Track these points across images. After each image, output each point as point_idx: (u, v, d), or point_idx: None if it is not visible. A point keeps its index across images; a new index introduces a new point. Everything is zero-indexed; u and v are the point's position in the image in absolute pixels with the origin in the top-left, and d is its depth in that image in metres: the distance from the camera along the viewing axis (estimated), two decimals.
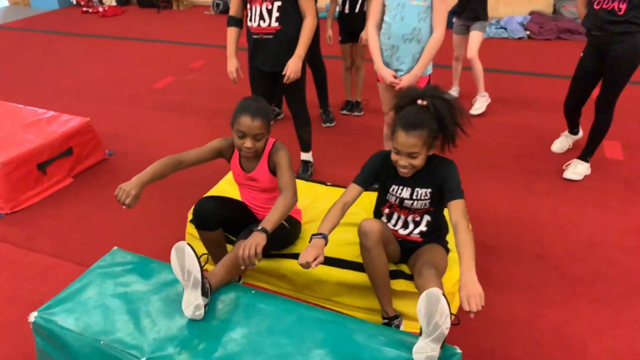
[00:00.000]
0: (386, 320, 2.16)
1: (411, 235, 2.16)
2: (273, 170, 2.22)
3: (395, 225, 2.19)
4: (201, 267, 1.73)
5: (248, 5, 2.95)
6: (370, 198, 2.35)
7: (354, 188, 2.06)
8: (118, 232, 2.92)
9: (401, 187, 2.07)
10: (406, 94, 1.99)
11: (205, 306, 1.76)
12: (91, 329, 1.68)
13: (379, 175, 2.11)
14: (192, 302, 1.72)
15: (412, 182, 2.04)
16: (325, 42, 4.12)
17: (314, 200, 2.75)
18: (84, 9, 8.30)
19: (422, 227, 2.13)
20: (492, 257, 2.65)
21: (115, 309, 1.76)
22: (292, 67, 2.92)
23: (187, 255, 1.69)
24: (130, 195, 1.86)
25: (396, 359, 1.56)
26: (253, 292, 1.87)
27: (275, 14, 2.88)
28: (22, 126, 3.48)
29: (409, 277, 2.19)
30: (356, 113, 4.39)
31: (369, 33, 2.84)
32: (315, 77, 4.23)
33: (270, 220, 1.93)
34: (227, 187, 2.83)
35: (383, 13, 2.80)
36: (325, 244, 1.87)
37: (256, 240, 1.83)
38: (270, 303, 1.80)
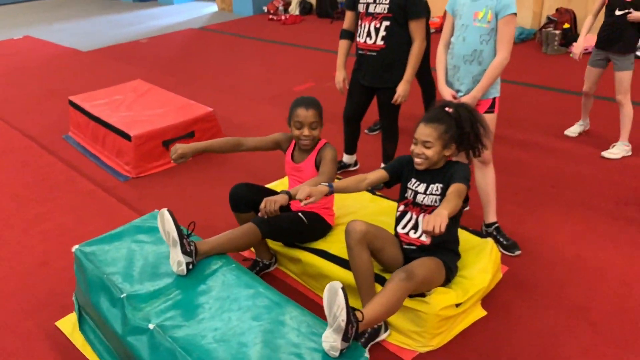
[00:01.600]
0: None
1: (420, 238, 2.25)
2: (318, 165, 2.49)
3: (405, 227, 2.30)
4: (180, 231, 2.05)
5: (359, 22, 3.19)
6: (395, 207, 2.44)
7: (379, 171, 2.34)
8: (204, 205, 3.43)
9: (418, 182, 2.26)
10: (440, 102, 2.27)
11: (189, 264, 2.08)
12: (102, 265, 2.15)
13: (403, 168, 2.33)
14: (175, 259, 2.06)
15: (429, 178, 2.24)
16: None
17: (360, 208, 2.89)
18: (270, 16, 9.37)
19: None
20: (523, 294, 2.49)
21: (127, 255, 2.20)
22: (401, 93, 3.14)
23: (165, 220, 2.05)
24: (177, 153, 2.35)
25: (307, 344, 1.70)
26: (234, 265, 2.15)
27: (382, 32, 3.09)
28: (162, 110, 4.27)
29: None
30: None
31: (437, 52, 2.87)
32: (424, 93, 4.28)
33: (296, 188, 2.20)
34: None
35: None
36: (329, 193, 2.16)
37: (276, 198, 2.16)
38: (238, 276, 2.07)
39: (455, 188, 2.05)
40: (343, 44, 3.36)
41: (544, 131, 4.27)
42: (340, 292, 1.61)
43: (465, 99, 2.68)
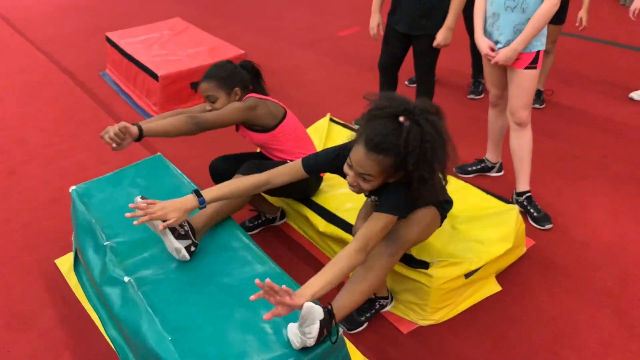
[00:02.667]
0: (373, 296, 2.09)
1: None
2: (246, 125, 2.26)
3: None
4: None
5: None
6: None
7: (296, 168, 1.82)
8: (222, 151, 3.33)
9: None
10: (393, 102, 1.53)
11: (190, 246, 1.81)
12: (93, 208, 2.09)
13: (337, 172, 1.80)
14: (170, 247, 1.78)
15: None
16: None
17: None
18: None
19: None
20: (546, 273, 2.25)
21: (121, 201, 2.13)
22: (441, 41, 2.86)
23: (152, 224, 1.75)
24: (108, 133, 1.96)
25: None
26: (232, 227, 2.02)
27: None
28: (194, 50, 4.14)
29: (406, 260, 2.05)
30: (536, 105, 3.68)
31: None
32: (472, 42, 3.91)
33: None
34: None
35: None
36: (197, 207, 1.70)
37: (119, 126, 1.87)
38: (232, 241, 1.93)
39: (363, 236, 1.57)
40: None
41: (604, 92, 3.82)
42: (317, 324, 1.40)
43: (505, 51, 2.37)
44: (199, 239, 1.88)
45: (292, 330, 1.44)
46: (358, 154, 1.53)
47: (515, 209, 2.29)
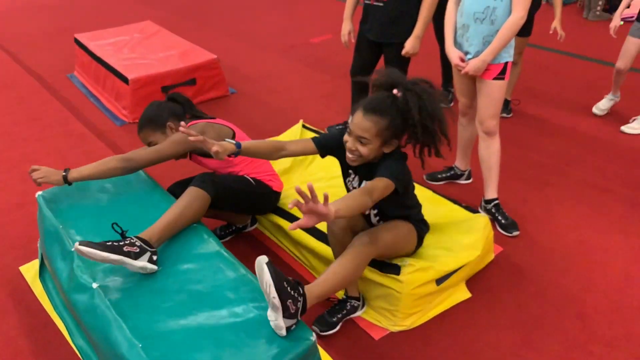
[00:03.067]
0: (344, 297, 2.10)
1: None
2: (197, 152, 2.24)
3: None
4: (111, 247, 1.68)
5: None
6: None
7: (305, 142, 1.91)
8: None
9: (354, 175, 1.96)
10: (387, 76, 1.78)
11: (152, 256, 1.76)
12: (60, 214, 2.04)
13: (334, 150, 1.92)
14: (136, 269, 1.72)
15: (364, 172, 1.90)
16: None
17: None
18: None
19: (373, 219, 2.03)
20: (514, 278, 2.31)
21: (89, 206, 2.09)
22: (409, 50, 2.89)
23: (89, 253, 1.64)
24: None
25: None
26: (201, 231, 2.01)
27: None
28: (165, 54, 4.10)
29: (378, 266, 2.07)
30: (504, 114, 3.73)
31: (447, 8, 2.59)
32: (442, 51, 3.98)
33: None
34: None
35: None
36: (235, 154, 1.79)
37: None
38: (202, 244, 1.93)
39: (369, 185, 1.65)
40: None
41: (569, 104, 3.94)
42: (266, 268, 1.45)
43: (474, 62, 2.42)
44: (157, 247, 1.82)
45: (269, 318, 1.50)
46: (357, 118, 1.73)
47: (483, 217, 2.33)
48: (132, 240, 1.74)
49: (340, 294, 2.16)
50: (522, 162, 3.20)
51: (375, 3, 2.90)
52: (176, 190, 2.27)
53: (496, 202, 2.70)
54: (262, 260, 1.47)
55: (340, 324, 2.07)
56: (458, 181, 3.03)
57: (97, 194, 2.18)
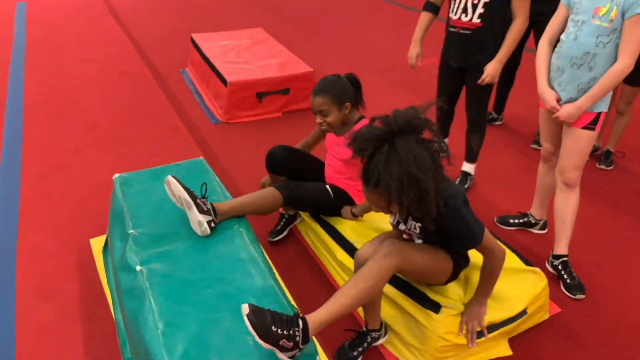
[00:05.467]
0: (364, 329, 2.06)
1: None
2: None
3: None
4: (190, 192, 2.01)
5: None
6: None
7: None
8: None
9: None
10: (396, 116, 1.56)
11: (211, 222, 2.02)
12: (129, 197, 2.23)
13: None
14: (194, 220, 2.00)
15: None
16: None
17: None
18: None
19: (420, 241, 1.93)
20: (567, 346, 2.12)
21: (155, 194, 2.25)
22: (491, 72, 2.80)
23: (172, 185, 2.01)
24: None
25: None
26: (246, 231, 2.09)
27: (479, 9, 2.76)
28: (266, 61, 4.30)
29: (417, 298, 2.03)
30: (603, 166, 3.46)
31: (539, 47, 2.46)
32: (507, 70, 3.84)
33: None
34: None
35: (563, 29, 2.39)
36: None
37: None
38: (244, 247, 2.01)
39: (486, 254, 1.82)
40: (425, 17, 3.03)
41: None
42: (246, 319, 1.46)
43: (568, 108, 2.27)
44: (219, 221, 2.08)
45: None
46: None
47: (538, 272, 2.18)
48: (205, 201, 2.04)
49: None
50: (609, 221, 2.93)
51: (462, 31, 2.84)
52: (276, 150, 2.48)
53: (565, 259, 2.50)
54: (243, 312, 1.48)
55: (361, 357, 2.04)
56: (531, 230, 2.85)
57: (164, 184, 2.35)
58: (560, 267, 2.50)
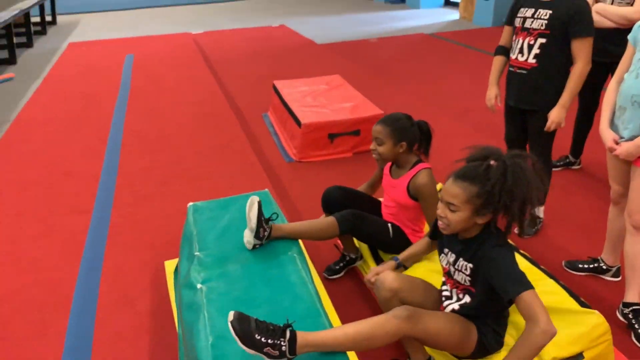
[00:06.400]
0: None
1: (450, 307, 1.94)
2: (412, 195, 2.41)
3: (443, 296, 2.00)
4: (261, 220, 2.20)
5: (514, 37, 2.96)
6: None
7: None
8: None
9: (449, 250, 1.92)
10: (482, 149, 1.79)
11: (255, 246, 2.25)
12: (199, 222, 2.46)
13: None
14: (247, 239, 2.24)
15: (458, 249, 1.86)
16: None
17: None
18: None
19: (456, 305, 1.91)
20: None
21: (224, 221, 2.45)
22: (554, 119, 2.82)
23: (252, 207, 2.22)
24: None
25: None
26: (300, 258, 2.22)
27: (535, 50, 2.82)
28: (340, 105, 4.50)
29: None
30: None
31: (608, 87, 2.44)
32: (584, 113, 3.77)
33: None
34: None
35: None
36: (396, 268, 2.17)
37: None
38: (296, 272, 2.14)
39: (525, 315, 1.64)
40: (497, 60, 3.11)
41: None
42: (229, 325, 1.60)
43: (627, 146, 2.25)
44: (268, 241, 2.29)
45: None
46: (447, 183, 1.77)
47: (597, 314, 2.08)
48: (267, 227, 2.25)
49: None
50: None
51: (519, 70, 2.88)
52: (332, 191, 2.59)
53: (636, 307, 2.36)
54: (228, 319, 1.60)
55: None
56: (603, 276, 2.71)
57: (232, 212, 2.55)
58: (631, 315, 2.36)
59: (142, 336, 2.36)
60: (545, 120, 2.83)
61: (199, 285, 2.04)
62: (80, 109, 5.48)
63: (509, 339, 1.95)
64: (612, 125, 2.38)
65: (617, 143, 2.31)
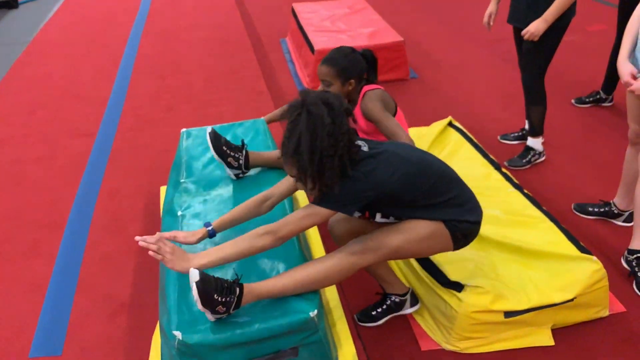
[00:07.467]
0: (383, 293, 2.01)
1: None
2: (366, 115, 2.24)
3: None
4: (223, 150, 2.12)
5: None
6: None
7: (287, 180, 1.85)
8: None
9: None
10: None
11: (238, 176, 2.21)
12: (190, 150, 2.43)
13: None
14: (226, 170, 2.20)
15: None
16: None
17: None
18: None
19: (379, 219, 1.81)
20: (623, 349, 1.90)
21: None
22: (532, 29, 2.65)
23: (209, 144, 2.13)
24: None
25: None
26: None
27: None
28: (358, 31, 4.26)
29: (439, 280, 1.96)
30: None
31: (634, 15, 2.17)
32: (618, 41, 3.39)
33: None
34: None
35: None
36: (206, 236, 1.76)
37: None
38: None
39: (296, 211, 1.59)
40: None
41: None
42: (194, 285, 1.44)
43: None
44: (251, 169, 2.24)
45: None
46: None
47: (595, 260, 1.96)
48: (239, 157, 2.16)
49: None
50: None
51: None
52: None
53: None
54: (192, 278, 1.46)
55: (384, 319, 2.02)
56: (613, 221, 2.56)
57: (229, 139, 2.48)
58: (634, 262, 2.22)
59: (130, 258, 2.39)
60: (535, 42, 2.68)
61: (179, 212, 2.02)
62: (97, 32, 5.41)
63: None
64: (632, 57, 2.14)
65: (635, 77, 2.08)
